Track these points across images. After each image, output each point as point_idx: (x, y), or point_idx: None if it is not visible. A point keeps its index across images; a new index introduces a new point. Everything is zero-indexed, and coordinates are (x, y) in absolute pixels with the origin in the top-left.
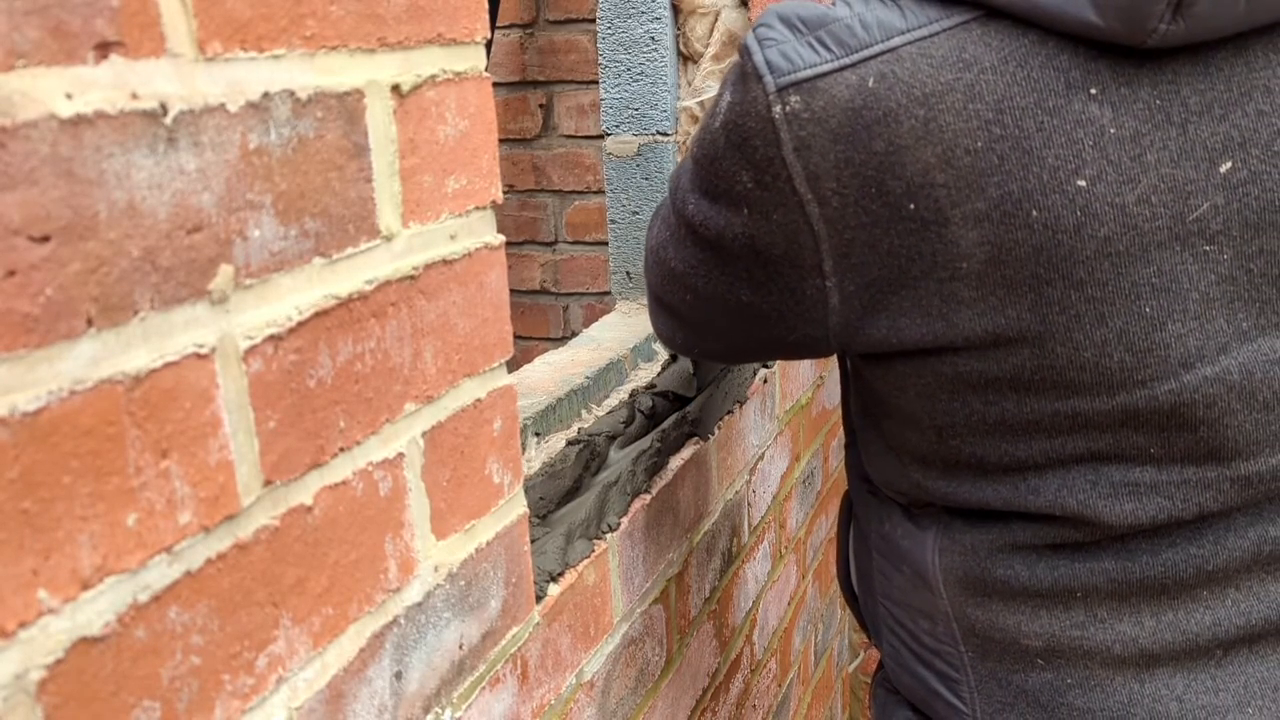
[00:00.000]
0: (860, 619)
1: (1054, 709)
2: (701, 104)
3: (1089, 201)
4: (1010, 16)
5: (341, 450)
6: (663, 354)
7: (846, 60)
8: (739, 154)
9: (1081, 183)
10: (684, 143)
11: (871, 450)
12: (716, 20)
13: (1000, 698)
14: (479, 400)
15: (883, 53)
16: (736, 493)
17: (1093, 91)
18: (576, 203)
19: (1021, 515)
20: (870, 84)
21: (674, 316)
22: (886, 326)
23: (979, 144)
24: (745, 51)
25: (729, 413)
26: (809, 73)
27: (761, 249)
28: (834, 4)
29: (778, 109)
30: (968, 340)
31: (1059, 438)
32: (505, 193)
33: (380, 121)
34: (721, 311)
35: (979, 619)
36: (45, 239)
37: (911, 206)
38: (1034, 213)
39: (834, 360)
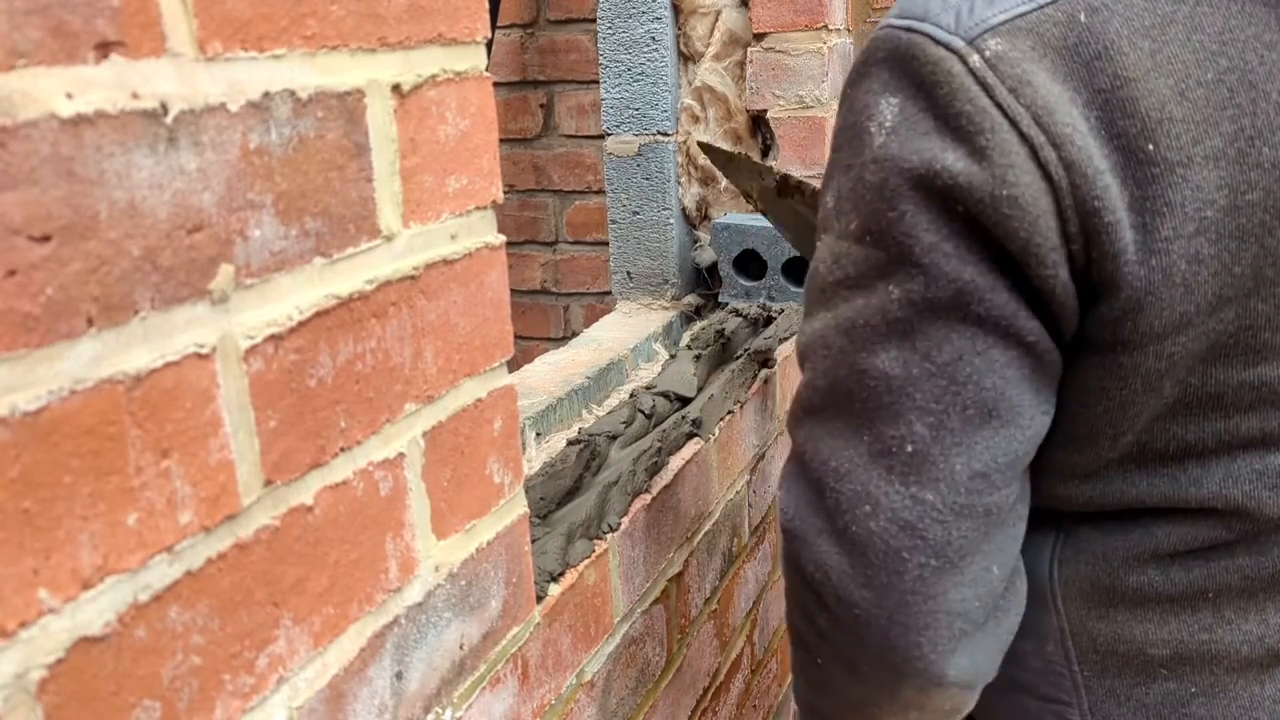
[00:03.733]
0: None
1: None
2: (700, 94)
3: None
4: None
5: (342, 450)
6: (663, 354)
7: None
8: (941, 136)
9: None
10: (684, 142)
11: None
12: (717, 20)
13: (1118, 716)
14: (479, 400)
15: None
16: (737, 493)
17: None
18: (577, 202)
19: (1167, 515)
20: (1082, 18)
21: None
22: (1119, 307)
23: (1209, 76)
24: (897, 33)
25: (730, 413)
26: (1003, 16)
27: (995, 253)
28: None
29: (975, 59)
30: (1198, 309)
31: (1234, 416)
32: (506, 192)
33: (381, 121)
34: (943, 413)
35: (1101, 632)
36: (46, 239)
37: (1150, 147)
38: (1265, 150)
39: None
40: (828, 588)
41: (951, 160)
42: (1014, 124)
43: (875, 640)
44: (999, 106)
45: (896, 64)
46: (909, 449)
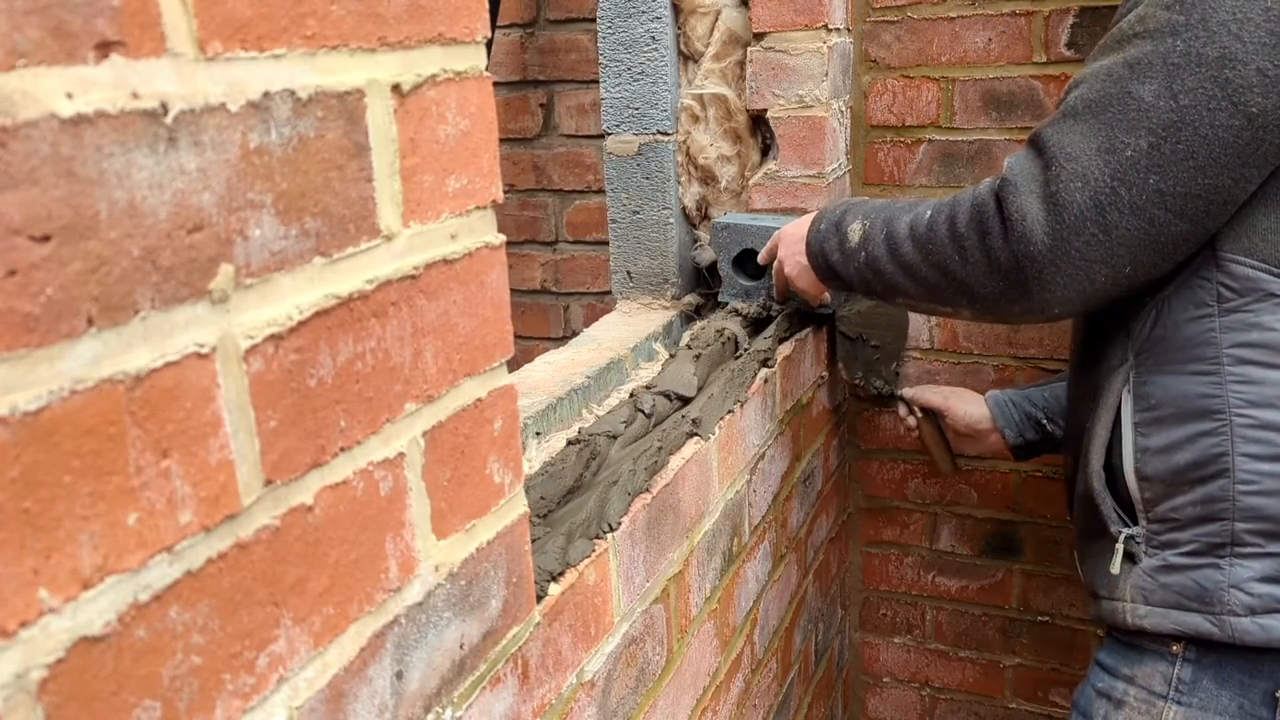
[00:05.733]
0: (1119, 502)
1: None
2: (699, 94)
3: None
4: None
5: (342, 450)
6: (663, 353)
7: None
8: None
9: None
10: (684, 142)
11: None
12: (717, 19)
13: None
14: (479, 400)
15: None
16: (737, 492)
17: None
18: (577, 202)
19: None
20: None
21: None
22: None
23: None
24: None
25: (730, 412)
26: None
27: None
28: None
29: None
30: None
31: None
32: (505, 192)
33: (381, 121)
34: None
35: None
36: (46, 238)
37: None
38: None
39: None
40: (1020, 227)
41: None
42: None
43: (1029, 269)
44: None
45: None
46: (1128, 154)
